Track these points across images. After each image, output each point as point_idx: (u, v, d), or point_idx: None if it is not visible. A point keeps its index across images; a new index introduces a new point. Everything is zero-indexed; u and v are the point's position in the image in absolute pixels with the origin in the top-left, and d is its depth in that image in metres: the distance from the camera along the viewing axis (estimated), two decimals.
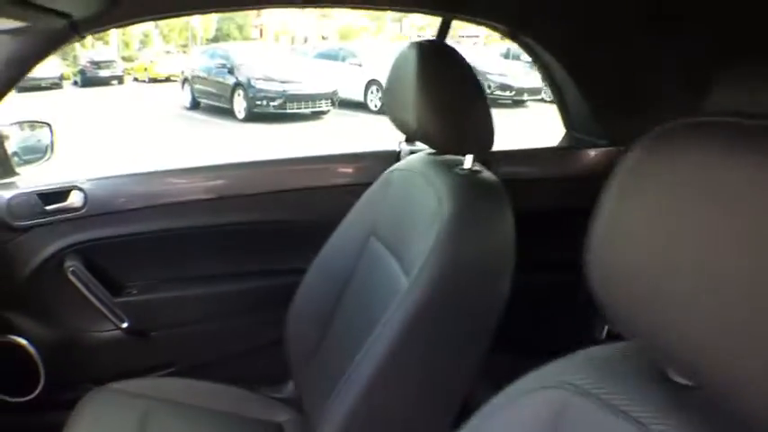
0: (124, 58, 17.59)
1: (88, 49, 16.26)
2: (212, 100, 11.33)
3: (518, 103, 12.20)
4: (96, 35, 1.15)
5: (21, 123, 1.56)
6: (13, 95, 1.30)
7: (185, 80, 12.03)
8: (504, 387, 0.63)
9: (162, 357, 1.61)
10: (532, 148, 1.83)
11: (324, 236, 1.35)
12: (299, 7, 2.03)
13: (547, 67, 1.76)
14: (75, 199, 1.49)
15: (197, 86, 11.64)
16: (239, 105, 10.73)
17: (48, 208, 1.47)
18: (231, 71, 10.96)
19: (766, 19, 1.23)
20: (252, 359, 1.64)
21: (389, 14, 19.94)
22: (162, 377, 1.56)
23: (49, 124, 1.57)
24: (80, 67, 15.68)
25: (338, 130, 9.43)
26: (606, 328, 1.74)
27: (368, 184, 1.35)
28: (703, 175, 0.42)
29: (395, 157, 1.63)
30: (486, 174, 1.11)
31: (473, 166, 1.10)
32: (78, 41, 1.36)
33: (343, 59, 12.40)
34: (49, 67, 12.43)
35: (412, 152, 1.59)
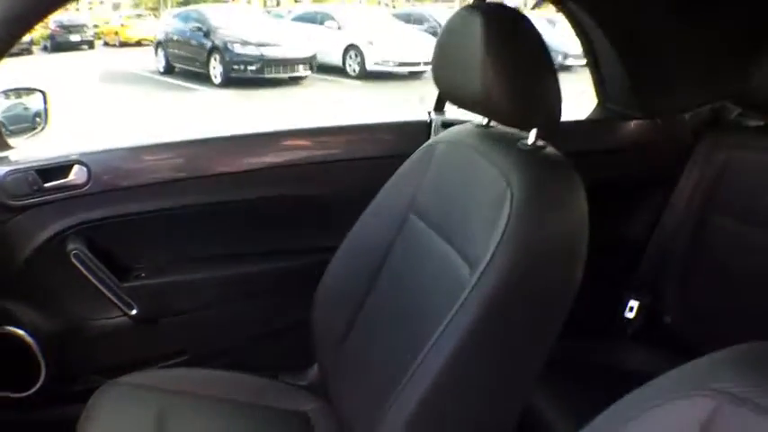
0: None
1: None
2: (187, 64, 10.95)
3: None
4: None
5: (10, 91, 1.44)
6: None
7: (158, 44, 11.61)
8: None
9: (173, 345, 1.52)
10: (576, 121, 1.75)
11: (348, 212, 1.25)
12: None
13: (587, 36, 1.68)
14: (77, 175, 1.36)
15: (171, 50, 11.25)
16: (215, 70, 10.41)
17: (47, 185, 1.34)
18: (207, 34, 10.59)
19: None
20: (269, 345, 1.56)
21: None
22: (176, 367, 1.47)
23: (42, 91, 1.44)
24: (50, 32, 15.10)
25: (323, 97, 9.19)
26: (635, 307, 1.70)
27: (396, 157, 1.25)
28: None
29: (425, 127, 1.53)
30: (551, 149, 1.01)
31: (536, 141, 1.00)
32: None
33: (321, 22, 12.04)
34: None
35: (444, 123, 1.50)
